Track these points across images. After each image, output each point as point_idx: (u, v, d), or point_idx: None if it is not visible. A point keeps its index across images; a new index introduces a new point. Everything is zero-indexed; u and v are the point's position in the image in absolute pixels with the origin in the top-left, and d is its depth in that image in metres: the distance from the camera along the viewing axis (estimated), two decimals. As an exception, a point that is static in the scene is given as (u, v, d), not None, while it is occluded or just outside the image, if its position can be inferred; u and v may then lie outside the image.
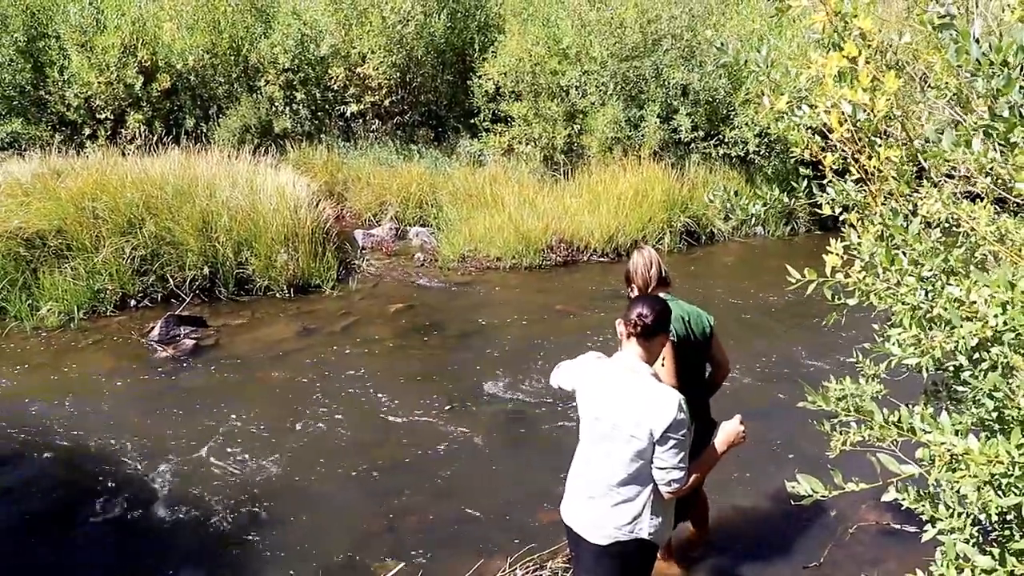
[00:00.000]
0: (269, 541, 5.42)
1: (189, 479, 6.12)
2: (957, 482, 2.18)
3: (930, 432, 2.21)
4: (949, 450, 2.13)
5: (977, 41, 2.22)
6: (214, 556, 5.29)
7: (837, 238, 3.17)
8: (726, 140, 13.67)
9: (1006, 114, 2.31)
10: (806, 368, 8.09)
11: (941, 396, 3.78)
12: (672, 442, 3.34)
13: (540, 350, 8.46)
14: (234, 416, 7.12)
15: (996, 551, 2.58)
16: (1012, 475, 2.13)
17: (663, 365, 4.25)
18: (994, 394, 2.65)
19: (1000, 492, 2.80)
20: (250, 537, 5.46)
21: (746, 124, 13.26)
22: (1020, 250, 3.23)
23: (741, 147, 13.48)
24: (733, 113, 13.67)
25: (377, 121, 15.67)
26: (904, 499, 2.96)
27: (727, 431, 3.64)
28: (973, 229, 3.50)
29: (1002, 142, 2.47)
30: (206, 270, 10.12)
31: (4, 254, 9.25)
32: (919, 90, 4.14)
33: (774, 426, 6.72)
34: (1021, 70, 2.30)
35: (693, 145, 13.78)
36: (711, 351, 4.69)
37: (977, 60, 2.25)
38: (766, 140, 13.22)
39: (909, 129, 3.81)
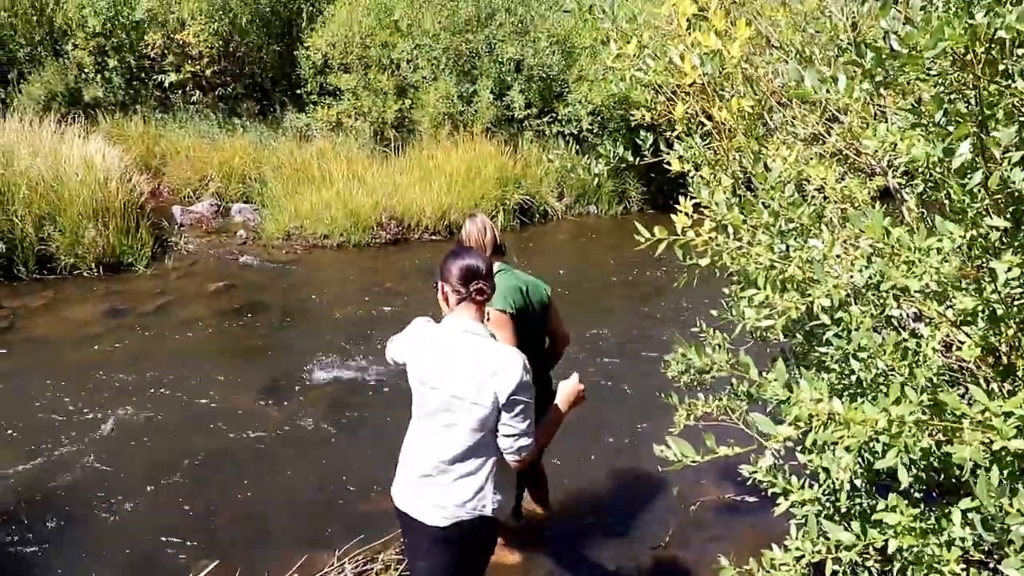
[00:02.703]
0: (66, 541, 4.85)
1: (-28, 477, 5.43)
2: (836, 444, 1.97)
3: (805, 392, 1.98)
4: (828, 412, 1.92)
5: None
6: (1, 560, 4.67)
7: (686, 196, 2.95)
8: (559, 117, 13.56)
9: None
10: (643, 342, 8.03)
11: (790, 363, 3.65)
12: (520, 406, 3.06)
13: (368, 331, 8.06)
14: (29, 404, 6.42)
15: (856, 524, 2.44)
16: (889, 433, 1.93)
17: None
18: (859, 355, 2.47)
19: (860, 459, 2.66)
20: (45, 538, 4.87)
21: (579, 102, 13.18)
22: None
23: (575, 125, 13.39)
24: (567, 90, 13.58)
25: (198, 92, 14.79)
26: (756, 472, 2.80)
27: (566, 390, 3.41)
28: (819, 189, 3.38)
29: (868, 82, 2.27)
30: (1, 246, 9.16)
31: None
32: (764, 50, 4.00)
33: (612, 402, 6.59)
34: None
35: (526, 122, 13.59)
36: (550, 322, 4.45)
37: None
38: (599, 118, 13.19)
39: (757, 84, 3.65)
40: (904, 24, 2.09)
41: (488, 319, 3.94)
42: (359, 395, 6.86)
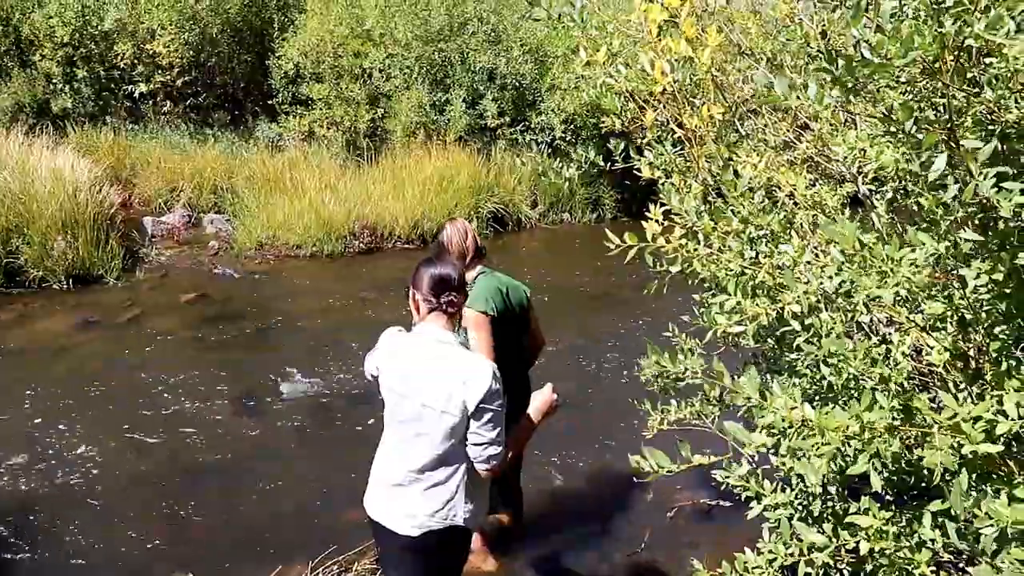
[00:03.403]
0: (37, 554, 4.79)
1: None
2: (809, 451, 1.98)
3: (779, 399, 1.99)
4: (801, 418, 1.92)
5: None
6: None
7: (656, 202, 2.96)
8: (532, 126, 13.59)
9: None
10: (617, 348, 8.04)
11: (761, 368, 3.67)
12: (488, 415, 3.04)
13: (342, 340, 8.00)
14: (-2, 418, 6.35)
15: (829, 526, 2.45)
16: (862, 440, 1.94)
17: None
18: (828, 360, 2.49)
19: (831, 463, 2.67)
20: (16, 551, 4.81)
21: (552, 110, 13.20)
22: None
23: (548, 133, 13.43)
24: (539, 99, 13.60)
25: (169, 102, 14.65)
26: (728, 476, 2.80)
27: (540, 400, 3.40)
28: (790, 196, 3.39)
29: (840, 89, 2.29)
30: (-33, 261, 9.04)
31: None
32: (735, 56, 4.02)
33: (587, 408, 6.59)
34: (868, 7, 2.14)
35: (499, 131, 13.60)
36: (529, 324, 4.47)
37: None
38: (572, 126, 13.21)
39: (727, 90, 3.67)
40: (875, 32, 2.11)
41: (460, 326, 3.94)
42: (332, 407, 6.81)
